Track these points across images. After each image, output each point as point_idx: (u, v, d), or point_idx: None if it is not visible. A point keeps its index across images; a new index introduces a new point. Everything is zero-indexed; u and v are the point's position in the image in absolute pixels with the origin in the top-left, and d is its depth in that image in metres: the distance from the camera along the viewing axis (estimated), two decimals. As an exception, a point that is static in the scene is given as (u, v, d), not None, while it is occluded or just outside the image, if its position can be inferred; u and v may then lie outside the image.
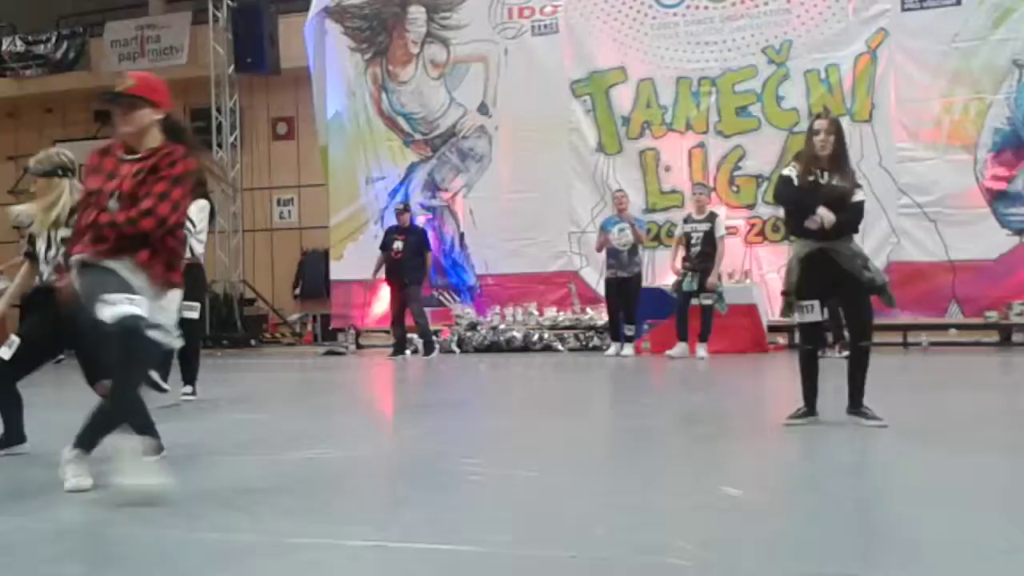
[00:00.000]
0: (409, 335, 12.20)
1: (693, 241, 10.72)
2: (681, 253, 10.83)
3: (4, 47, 17.45)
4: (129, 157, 3.93)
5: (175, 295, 3.98)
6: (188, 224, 6.04)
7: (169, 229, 3.85)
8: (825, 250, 5.19)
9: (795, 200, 5.33)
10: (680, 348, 10.55)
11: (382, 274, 12.22)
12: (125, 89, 3.98)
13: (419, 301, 12.07)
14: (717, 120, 12.71)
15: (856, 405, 5.22)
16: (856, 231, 5.40)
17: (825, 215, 5.12)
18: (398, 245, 11.96)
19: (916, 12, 11.95)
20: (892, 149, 11.88)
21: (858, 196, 5.32)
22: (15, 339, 4.53)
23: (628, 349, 11.22)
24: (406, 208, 12.44)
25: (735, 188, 12.63)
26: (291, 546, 3.05)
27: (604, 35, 13.18)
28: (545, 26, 13.53)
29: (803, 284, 5.24)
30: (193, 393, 7.15)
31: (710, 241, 10.66)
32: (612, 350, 11.36)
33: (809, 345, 5.41)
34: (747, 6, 12.62)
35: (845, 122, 12.06)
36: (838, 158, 5.30)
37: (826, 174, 5.28)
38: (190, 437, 5.51)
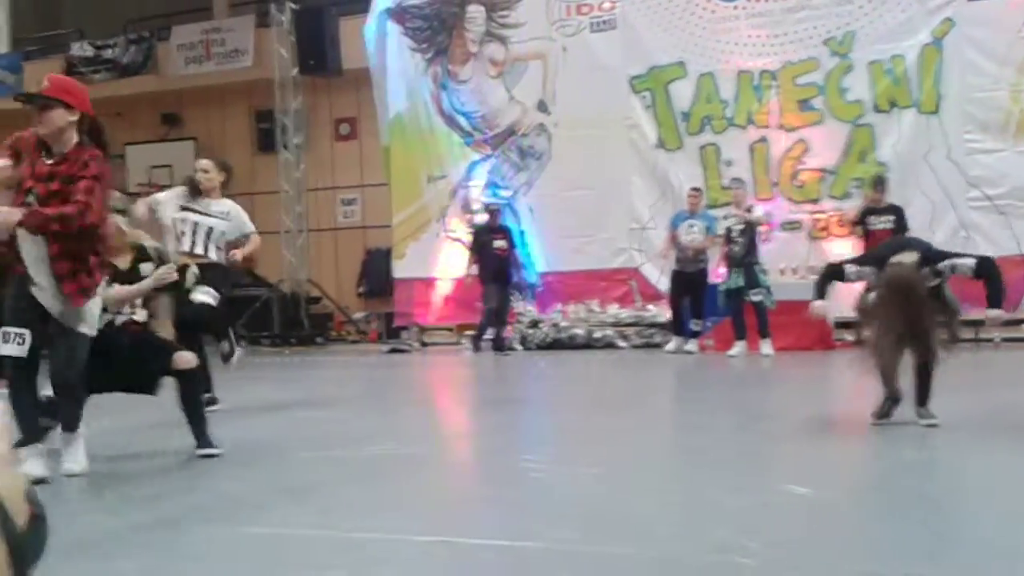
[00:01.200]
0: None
1: (733, 236, 10.64)
2: (723, 250, 10.82)
3: (73, 52, 17.88)
4: (49, 161, 4.10)
5: (92, 303, 4.19)
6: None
7: (80, 232, 4.03)
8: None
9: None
10: (739, 347, 10.47)
11: (474, 270, 12.44)
12: (40, 90, 4.15)
13: (507, 300, 12.23)
14: (779, 114, 12.57)
15: (921, 404, 5.16)
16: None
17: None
18: (502, 244, 12.15)
19: (982, 1, 11.68)
20: (960, 141, 11.63)
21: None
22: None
23: (692, 345, 11.12)
24: (498, 209, 12.45)
25: (798, 183, 12.48)
26: (359, 541, 3.12)
27: (663, 30, 13.10)
28: (603, 22, 13.49)
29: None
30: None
31: (749, 235, 10.59)
32: (672, 345, 11.31)
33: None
34: (809, -2, 12.45)
35: (911, 114, 12.02)
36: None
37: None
38: (258, 434, 5.64)
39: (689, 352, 10.96)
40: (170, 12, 17.88)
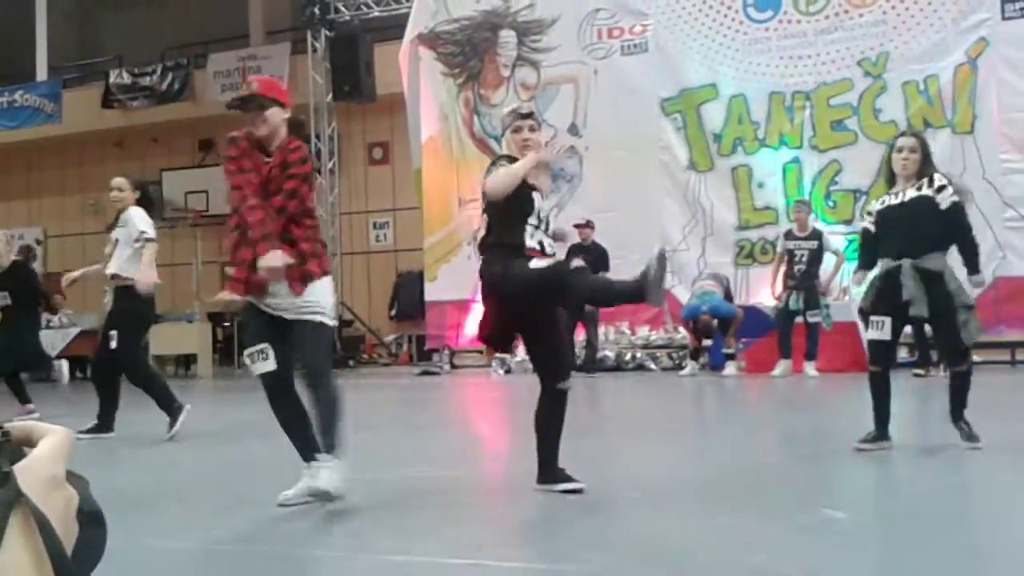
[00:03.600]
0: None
1: (797, 259, 10.57)
2: (782, 270, 10.68)
3: (112, 80, 18.19)
4: (267, 160, 4.23)
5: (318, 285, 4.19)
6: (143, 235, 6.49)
7: (293, 219, 4.14)
8: (905, 266, 4.93)
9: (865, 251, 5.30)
10: (784, 366, 10.40)
11: None
12: (251, 92, 4.24)
13: (596, 320, 12.01)
14: (812, 135, 12.53)
15: (955, 418, 5.06)
16: (947, 245, 5.08)
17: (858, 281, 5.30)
18: (579, 262, 11.90)
19: (1017, 21, 11.62)
20: (996, 161, 11.54)
21: (945, 200, 5.00)
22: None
23: (731, 368, 11.02)
24: (588, 224, 12.12)
25: (831, 203, 12.42)
26: (393, 564, 3.12)
27: (694, 52, 13.13)
28: (634, 45, 13.54)
29: (876, 300, 5.07)
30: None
31: (816, 259, 10.52)
32: (688, 369, 11.26)
33: (876, 366, 5.12)
34: (841, 18, 12.43)
35: (945, 134, 11.93)
36: (918, 175, 5.08)
37: (901, 191, 5.09)
38: (292, 455, 5.67)
39: (726, 376, 10.87)
40: (207, 40, 18.16)
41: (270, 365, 4.00)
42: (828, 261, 10.84)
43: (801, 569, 2.85)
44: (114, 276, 6.58)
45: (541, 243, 4.19)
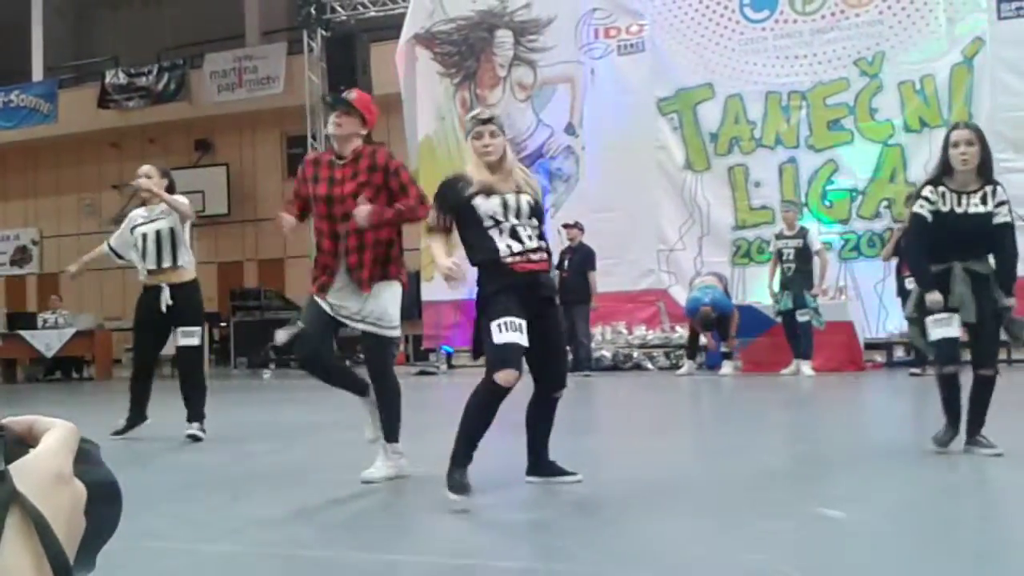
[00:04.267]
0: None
1: (785, 257, 10.61)
2: (777, 270, 10.72)
3: (108, 80, 18.17)
4: (340, 162, 4.63)
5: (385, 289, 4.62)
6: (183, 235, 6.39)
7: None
8: (956, 269, 4.73)
9: (918, 267, 4.93)
10: (794, 366, 10.44)
11: None
12: (348, 99, 4.69)
13: (586, 321, 12.00)
14: (808, 134, 12.54)
15: (971, 435, 4.83)
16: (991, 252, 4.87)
17: (934, 301, 4.76)
18: (564, 264, 11.78)
19: (1013, 20, 11.64)
20: (992, 160, 11.55)
21: (1001, 216, 4.78)
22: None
23: (727, 368, 11.03)
24: (575, 225, 12.12)
25: (828, 203, 12.43)
26: (390, 563, 3.12)
27: (691, 52, 13.14)
28: (631, 45, 13.55)
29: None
30: (201, 431, 6.29)
31: (803, 257, 10.52)
32: (685, 368, 11.27)
33: (949, 366, 4.83)
34: (837, 18, 12.45)
35: (941, 134, 11.89)
36: (981, 172, 4.81)
37: (966, 198, 4.78)
38: (291, 456, 5.66)
39: (724, 375, 10.88)
40: (203, 40, 18.15)
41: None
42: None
43: (798, 569, 2.85)
44: (178, 268, 6.34)
45: (516, 235, 4.09)
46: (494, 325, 3.92)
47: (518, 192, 4.20)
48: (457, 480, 3.84)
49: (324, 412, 7.93)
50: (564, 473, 4.30)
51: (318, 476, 4.88)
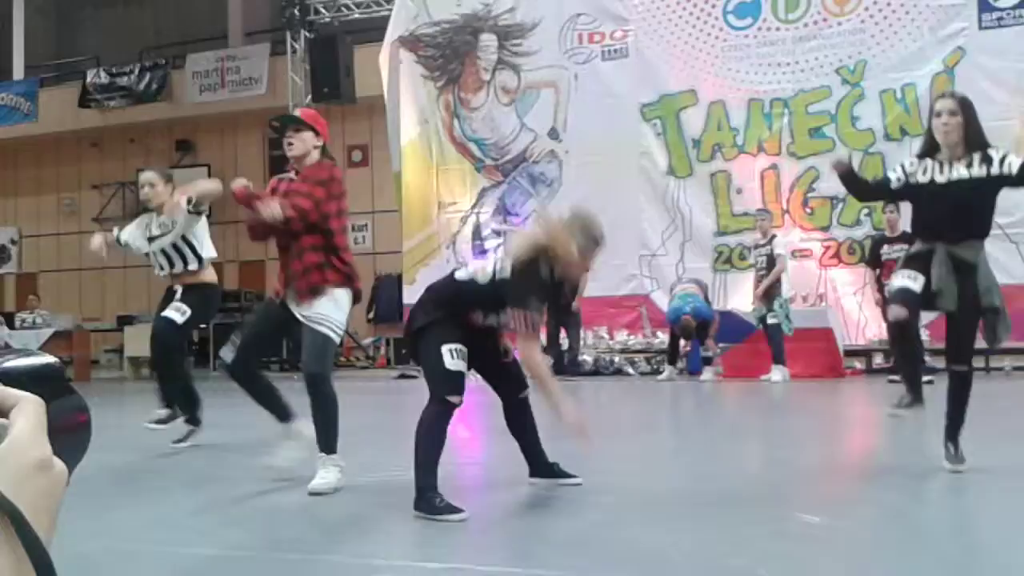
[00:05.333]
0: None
1: (758, 265, 10.78)
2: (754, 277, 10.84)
3: (89, 79, 18.05)
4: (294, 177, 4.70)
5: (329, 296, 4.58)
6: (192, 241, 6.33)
7: (309, 227, 4.52)
8: (940, 252, 4.37)
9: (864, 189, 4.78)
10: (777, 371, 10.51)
11: None
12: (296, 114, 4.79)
13: (578, 324, 11.99)
14: (790, 141, 12.61)
15: (946, 435, 4.54)
16: (986, 232, 4.49)
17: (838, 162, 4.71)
18: None
19: (994, 30, 11.74)
20: (971, 169, 11.64)
21: (1015, 164, 4.33)
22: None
23: (708, 373, 11.06)
24: None
25: (809, 210, 12.49)
26: (374, 567, 3.11)
27: (674, 58, 13.19)
28: (615, 51, 13.58)
29: (906, 266, 4.49)
30: (165, 418, 6.17)
31: (771, 263, 10.64)
32: (666, 374, 11.29)
33: (900, 314, 4.36)
34: (820, 26, 12.52)
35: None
36: (969, 142, 4.39)
37: (947, 166, 4.41)
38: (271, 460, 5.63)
39: (704, 380, 10.91)
40: (185, 40, 18.08)
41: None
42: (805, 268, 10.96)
43: (777, 573, 2.86)
44: (192, 272, 6.30)
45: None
46: (445, 350, 3.94)
47: None
48: (441, 504, 3.77)
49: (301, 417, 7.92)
50: (565, 475, 4.39)
51: (305, 480, 4.85)
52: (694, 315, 10.89)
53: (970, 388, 4.52)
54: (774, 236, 10.93)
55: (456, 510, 3.73)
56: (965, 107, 4.49)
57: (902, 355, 4.60)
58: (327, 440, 4.47)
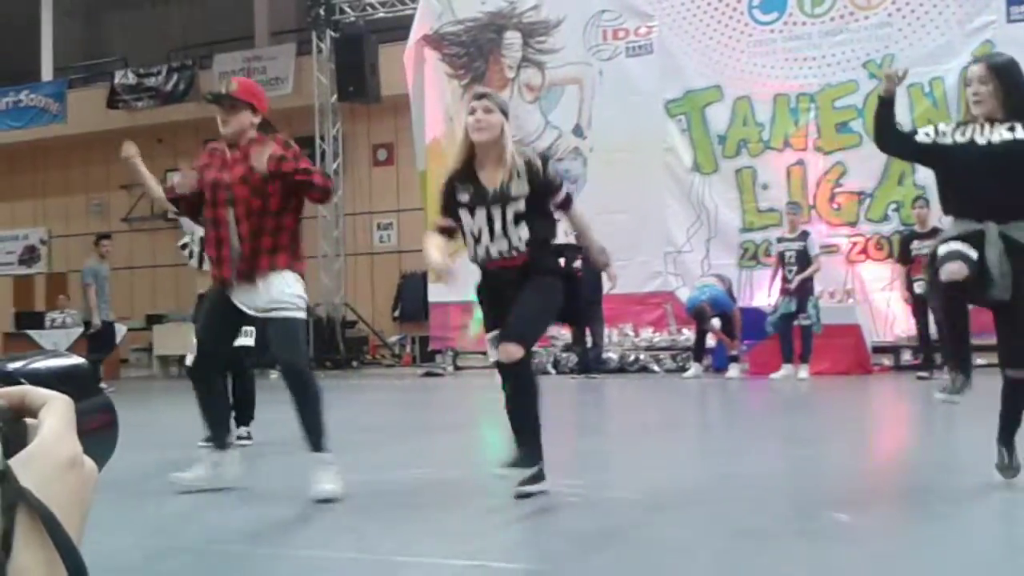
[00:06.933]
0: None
1: (787, 260, 10.62)
2: (779, 274, 10.70)
3: (117, 80, 18.20)
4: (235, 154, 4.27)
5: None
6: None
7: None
8: (991, 232, 3.70)
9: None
10: (785, 371, 10.39)
11: None
12: (229, 92, 4.27)
13: (601, 321, 11.95)
14: (816, 137, 12.51)
15: (999, 439, 3.96)
16: None
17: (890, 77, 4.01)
18: (578, 264, 11.82)
19: (1022, 23, 11.60)
20: (1001, 163, 11.52)
21: None
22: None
23: (734, 370, 11.00)
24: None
25: (836, 205, 12.40)
26: (396, 564, 3.12)
27: (699, 54, 13.12)
28: (640, 47, 13.53)
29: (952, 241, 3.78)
30: (248, 437, 6.00)
31: (803, 260, 10.52)
32: (692, 371, 11.22)
33: (953, 289, 3.68)
34: (847, 20, 12.42)
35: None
36: (1006, 111, 3.79)
37: (988, 127, 3.81)
38: (297, 458, 5.66)
39: (730, 378, 10.85)
40: (212, 40, 18.18)
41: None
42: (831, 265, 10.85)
43: (805, 571, 2.85)
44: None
45: (486, 251, 4.06)
46: (488, 338, 4.01)
47: (504, 202, 3.94)
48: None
49: (327, 415, 7.96)
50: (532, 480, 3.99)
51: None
52: (711, 303, 10.85)
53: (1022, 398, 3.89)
54: (807, 233, 10.81)
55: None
56: (1000, 72, 3.84)
57: (951, 328, 3.89)
58: (318, 439, 4.09)
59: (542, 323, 4.16)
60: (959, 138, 3.85)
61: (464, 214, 3.97)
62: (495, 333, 3.99)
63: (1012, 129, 3.77)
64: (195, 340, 4.35)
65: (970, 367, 3.87)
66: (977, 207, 3.79)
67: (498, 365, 3.98)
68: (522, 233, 3.97)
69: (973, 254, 3.67)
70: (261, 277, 4.15)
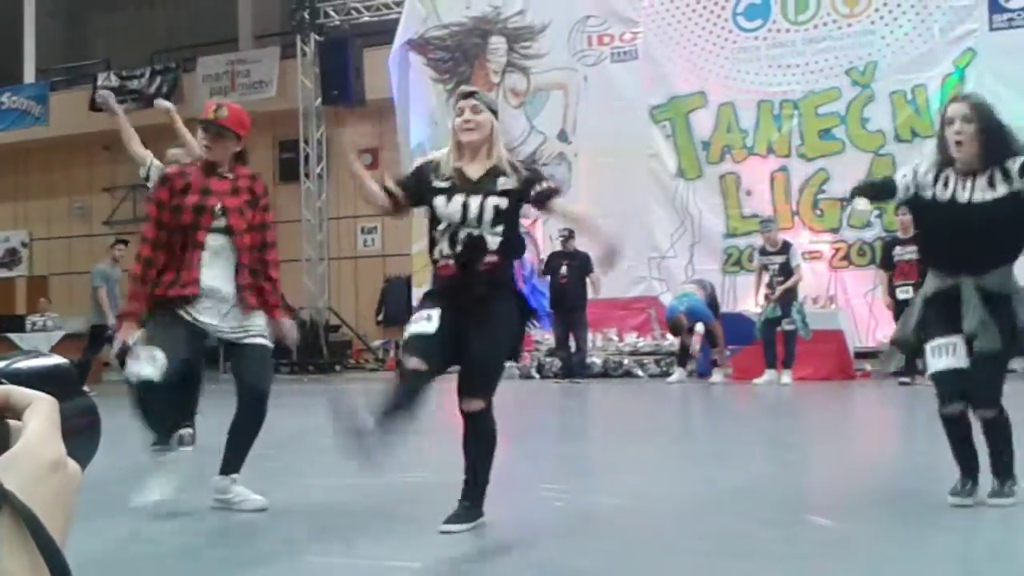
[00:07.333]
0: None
1: (771, 272, 10.71)
2: (764, 282, 10.76)
3: (99, 82, 18.09)
4: (228, 176, 4.25)
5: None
6: None
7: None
8: (967, 289, 3.74)
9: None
10: (768, 376, 10.43)
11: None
12: (218, 119, 4.23)
13: (585, 326, 11.95)
14: (799, 143, 12.58)
15: (1000, 471, 3.88)
16: (1018, 254, 3.83)
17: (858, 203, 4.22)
18: (564, 270, 11.81)
19: (1005, 32, 11.70)
20: (982, 171, 11.60)
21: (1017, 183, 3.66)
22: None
23: (717, 376, 11.04)
24: (572, 234, 11.98)
25: (819, 212, 12.46)
26: (385, 569, 3.11)
27: (684, 60, 13.17)
28: (624, 53, 13.57)
29: (930, 322, 3.83)
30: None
31: (786, 272, 10.58)
32: (675, 376, 11.24)
33: (951, 406, 3.78)
34: (830, 28, 12.49)
35: (932, 144, 11.88)
36: (986, 156, 3.72)
37: (969, 182, 3.75)
38: (282, 461, 5.64)
39: (714, 383, 10.88)
40: (196, 43, 18.11)
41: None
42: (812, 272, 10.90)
43: (787, 575, 2.86)
44: None
45: (453, 244, 3.73)
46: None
47: (486, 193, 3.73)
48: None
49: (313, 418, 7.93)
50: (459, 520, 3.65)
51: (304, 482, 4.86)
52: (689, 314, 10.88)
53: (1010, 424, 3.84)
54: (788, 244, 10.86)
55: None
56: (982, 111, 3.80)
57: (955, 442, 3.88)
58: (239, 464, 4.10)
59: (503, 368, 4.00)
60: (940, 194, 3.80)
61: (439, 200, 3.70)
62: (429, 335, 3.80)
63: (992, 183, 3.74)
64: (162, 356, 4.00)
65: (977, 470, 3.88)
66: (955, 263, 3.82)
67: (461, 410, 3.92)
68: (497, 231, 3.76)
69: (961, 362, 3.75)
70: (247, 306, 4.17)
